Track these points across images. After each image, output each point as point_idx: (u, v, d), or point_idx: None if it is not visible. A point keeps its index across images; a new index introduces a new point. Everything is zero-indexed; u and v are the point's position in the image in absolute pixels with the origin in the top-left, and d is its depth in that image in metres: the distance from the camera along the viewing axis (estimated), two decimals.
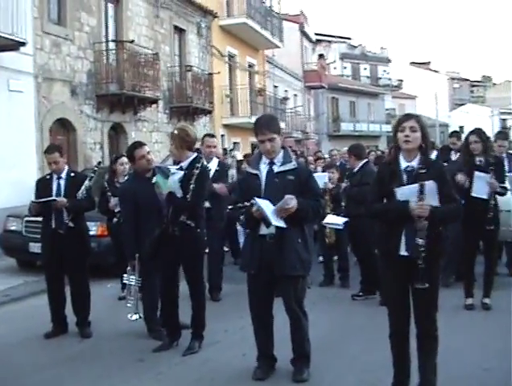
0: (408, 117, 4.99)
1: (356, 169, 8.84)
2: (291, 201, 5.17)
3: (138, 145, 7.09)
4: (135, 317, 6.88)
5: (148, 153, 6.98)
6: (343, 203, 9.41)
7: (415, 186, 4.63)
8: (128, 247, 6.87)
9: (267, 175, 5.45)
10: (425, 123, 4.99)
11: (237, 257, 11.17)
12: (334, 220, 9.23)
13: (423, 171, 4.72)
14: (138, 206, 6.68)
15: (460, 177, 7.59)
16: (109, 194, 8.87)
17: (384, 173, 5.03)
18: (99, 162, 8.69)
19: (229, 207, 5.87)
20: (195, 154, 6.43)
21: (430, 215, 4.60)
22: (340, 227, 9.10)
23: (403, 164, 4.83)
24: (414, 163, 4.82)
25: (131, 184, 7.13)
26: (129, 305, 6.89)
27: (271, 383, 5.54)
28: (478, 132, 7.99)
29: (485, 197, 7.69)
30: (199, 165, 6.29)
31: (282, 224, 5.20)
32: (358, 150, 9.00)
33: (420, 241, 4.62)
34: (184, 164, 6.35)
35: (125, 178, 8.79)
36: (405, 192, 4.68)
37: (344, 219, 9.00)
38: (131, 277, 6.84)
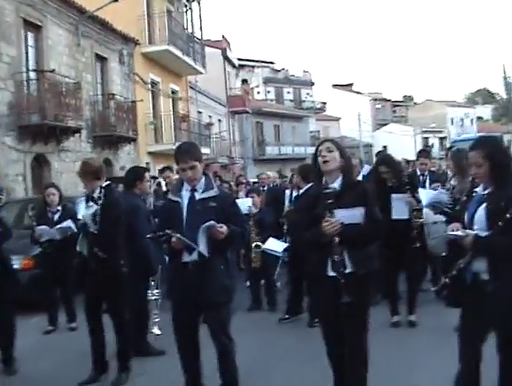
0: (324, 140, 5.22)
1: (301, 192, 8.56)
2: (223, 226, 5.23)
3: (146, 169, 7.86)
4: (158, 331, 7.00)
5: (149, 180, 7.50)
6: (285, 227, 9.49)
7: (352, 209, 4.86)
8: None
9: (189, 202, 5.39)
10: (342, 144, 5.25)
11: None
12: (274, 246, 9.27)
13: (345, 192, 4.93)
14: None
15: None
16: (34, 223, 8.95)
17: (309, 197, 5.27)
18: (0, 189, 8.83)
19: (148, 235, 5.83)
20: (105, 183, 6.55)
21: (342, 232, 4.78)
22: (280, 255, 9.12)
23: (325, 187, 4.99)
24: (336, 185, 5.01)
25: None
26: (157, 319, 6.99)
27: None
28: (386, 161, 8.30)
29: (405, 217, 7.99)
30: (101, 195, 6.39)
31: (205, 252, 5.22)
32: (305, 172, 8.63)
33: (336, 258, 4.84)
34: (95, 194, 6.46)
35: (58, 207, 8.98)
36: (344, 215, 4.84)
37: (285, 246, 9.05)
38: (154, 291, 6.98)
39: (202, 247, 5.21)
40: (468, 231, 4.48)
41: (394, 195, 7.95)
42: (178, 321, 5.51)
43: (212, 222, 5.19)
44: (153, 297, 7.08)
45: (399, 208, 7.95)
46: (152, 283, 7.12)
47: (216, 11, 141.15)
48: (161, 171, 13.64)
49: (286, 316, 8.83)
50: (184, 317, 5.44)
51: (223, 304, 5.43)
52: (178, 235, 5.18)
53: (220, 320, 5.42)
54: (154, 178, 15.01)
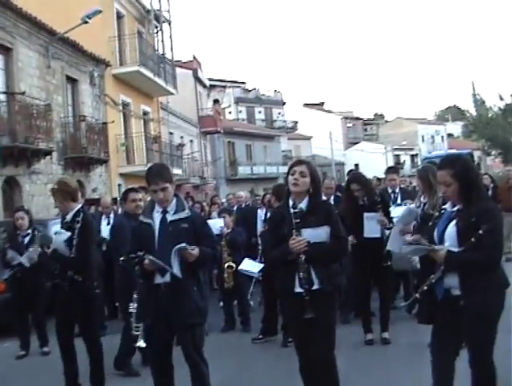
0: (300, 162, 5.40)
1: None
2: (194, 248, 5.28)
3: (134, 189, 7.75)
4: (144, 344, 7.00)
5: (140, 200, 7.50)
6: (260, 247, 9.50)
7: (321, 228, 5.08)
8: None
9: (161, 224, 5.41)
10: (316, 169, 5.41)
11: None
12: (249, 267, 9.27)
13: (311, 212, 5.15)
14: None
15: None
16: (5, 246, 8.94)
17: (276, 217, 5.45)
18: None
19: (122, 258, 5.83)
20: (79, 206, 6.59)
21: (308, 249, 5.01)
22: (255, 276, 9.10)
23: (292, 207, 5.22)
24: (303, 205, 5.22)
25: (125, 221, 7.52)
26: (137, 332, 6.97)
27: None
28: (357, 179, 8.39)
29: (377, 235, 8.07)
30: (79, 218, 6.41)
31: (179, 274, 5.26)
32: (279, 191, 8.57)
33: (301, 275, 5.04)
34: (69, 217, 6.49)
35: (28, 231, 8.97)
36: (310, 234, 5.07)
37: (261, 266, 9.05)
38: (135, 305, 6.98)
39: (175, 269, 5.25)
40: (439, 246, 4.58)
41: (366, 214, 8.05)
42: (151, 342, 5.51)
43: (183, 244, 5.22)
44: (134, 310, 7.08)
45: (371, 227, 8.03)
46: (135, 296, 7.13)
47: (186, 32, 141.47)
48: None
49: (260, 336, 8.87)
50: (158, 338, 5.45)
51: (196, 325, 5.47)
52: (150, 257, 5.21)
53: (194, 341, 5.43)
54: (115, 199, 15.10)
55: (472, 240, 4.39)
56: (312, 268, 5.10)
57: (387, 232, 7.85)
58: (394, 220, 8.00)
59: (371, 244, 7.95)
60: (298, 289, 5.12)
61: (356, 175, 8.72)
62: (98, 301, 6.86)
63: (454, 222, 4.60)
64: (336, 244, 5.20)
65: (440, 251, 4.51)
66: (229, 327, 9.78)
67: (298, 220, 5.12)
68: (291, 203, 5.28)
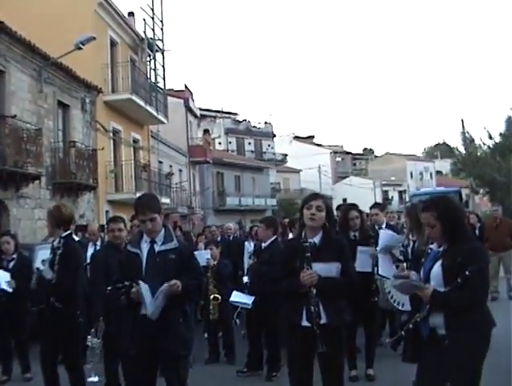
0: (316, 196, 5.51)
1: (265, 245, 8.74)
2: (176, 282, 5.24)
3: (113, 219, 7.74)
4: (96, 378, 6.95)
5: (119, 230, 7.41)
6: (247, 280, 9.40)
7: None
8: (96, 309, 7.05)
9: (148, 254, 5.41)
10: (330, 204, 5.53)
11: None
12: (241, 299, 9.12)
13: (323, 247, 5.26)
14: (107, 272, 6.77)
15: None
16: None
17: (289, 249, 5.54)
18: None
19: (109, 287, 5.73)
20: (65, 232, 6.68)
21: (319, 283, 5.07)
22: (249, 307, 8.93)
23: (303, 241, 5.28)
24: (316, 239, 5.32)
25: (103, 251, 7.58)
26: (88, 366, 6.93)
27: None
28: (356, 207, 8.47)
29: (369, 270, 8.04)
30: (60, 245, 6.52)
31: (153, 316, 5.21)
32: (274, 224, 8.94)
33: (312, 309, 5.08)
34: (55, 242, 6.59)
35: (13, 256, 8.93)
36: (321, 268, 5.15)
37: (252, 298, 8.87)
38: (94, 339, 6.93)
39: (150, 309, 5.21)
40: (427, 285, 4.61)
41: (360, 248, 8.02)
42: (135, 373, 5.47)
43: (165, 286, 5.20)
44: (92, 345, 7.05)
45: (364, 261, 7.98)
46: (92, 330, 7.11)
47: (179, 61, 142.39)
48: (131, 219, 13.71)
49: (245, 369, 8.81)
50: (142, 369, 5.38)
51: (182, 357, 5.45)
52: (140, 287, 5.18)
53: (179, 373, 5.41)
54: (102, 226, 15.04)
55: (459, 280, 4.43)
56: (321, 302, 5.16)
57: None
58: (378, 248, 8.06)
59: (362, 279, 7.88)
60: (305, 323, 5.16)
61: (353, 204, 8.73)
62: (80, 329, 6.83)
63: (439, 262, 4.64)
64: (345, 280, 5.28)
65: (426, 289, 4.54)
66: (213, 359, 9.72)
67: (309, 254, 5.19)
68: (304, 236, 5.35)
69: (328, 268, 5.21)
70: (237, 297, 9.11)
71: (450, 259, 4.55)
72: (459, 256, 4.50)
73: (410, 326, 4.67)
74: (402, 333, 4.76)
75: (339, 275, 5.26)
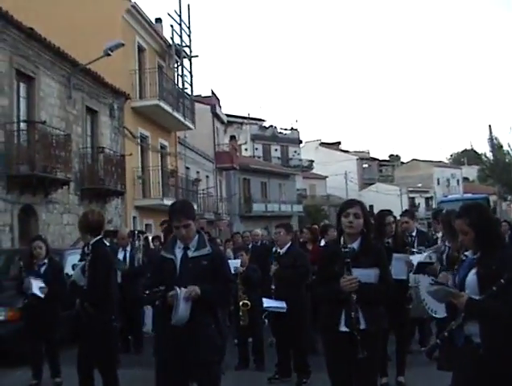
0: (352, 203, 5.54)
1: (283, 251, 8.77)
2: (194, 288, 5.23)
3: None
4: None
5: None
6: (272, 286, 9.12)
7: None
8: None
9: (182, 260, 5.43)
10: (367, 209, 5.55)
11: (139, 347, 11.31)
12: (274, 303, 8.92)
13: (362, 253, 5.32)
14: None
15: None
16: (23, 275, 8.96)
17: (327, 255, 5.58)
18: None
19: (146, 292, 5.65)
20: (96, 238, 6.76)
21: (359, 289, 5.12)
22: (284, 311, 8.71)
23: (342, 246, 5.33)
24: (355, 245, 5.37)
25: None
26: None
27: None
28: (392, 213, 8.42)
29: (404, 277, 7.95)
30: (89, 251, 6.61)
31: (179, 323, 5.19)
32: (292, 229, 9.17)
33: (353, 314, 5.13)
34: (86, 249, 6.71)
35: (45, 261, 8.97)
36: (361, 273, 5.20)
37: (284, 302, 8.65)
38: None
39: (177, 316, 5.20)
40: (462, 293, 4.55)
41: (395, 255, 7.94)
42: (165, 382, 5.44)
43: (181, 290, 5.20)
44: None
45: (399, 268, 7.86)
46: None
47: (206, 67, 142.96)
48: (161, 224, 13.90)
49: (277, 376, 8.79)
50: (173, 377, 5.37)
51: (214, 363, 5.44)
52: (179, 292, 5.19)
53: (211, 379, 5.40)
54: (141, 232, 15.05)
55: (494, 288, 4.35)
56: (360, 308, 5.21)
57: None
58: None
59: (397, 287, 7.78)
60: (343, 328, 5.23)
61: (389, 210, 8.70)
62: (115, 333, 6.86)
63: (474, 270, 4.57)
64: (384, 286, 5.36)
65: (462, 297, 4.47)
66: (243, 365, 9.73)
67: (349, 260, 5.23)
68: (343, 242, 5.41)
69: (367, 274, 5.27)
70: (269, 303, 9.04)
71: (485, 267, 4.47)
72: (494, 264, 4.43)
73: (446, 334, 4.61)
74: (438, 341, 4.70)
75: (377, 281, 5.33)
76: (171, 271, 5.42)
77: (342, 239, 5.44)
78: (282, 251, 8.85)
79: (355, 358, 5.14)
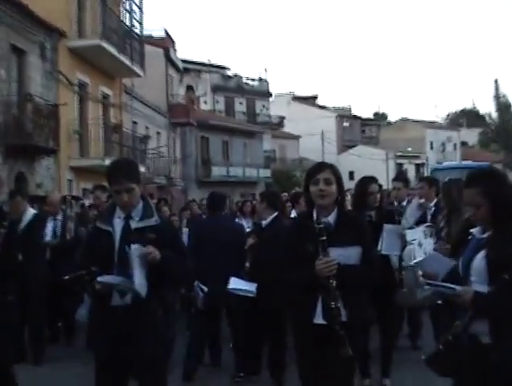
0: (322, 167, 5.32)
1: (265, 223, 8.62)
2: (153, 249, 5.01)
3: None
4: None
5: None
6: (247, 264, 9.06)
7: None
8: None
9: (122, 233, 5.23)
10: (340, 172, 5.33)
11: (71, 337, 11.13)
12: (242, 285, 8.69)
13: (340, 228, 5.13)
14: None
15: None
16: None
17: (296, 231, 5.37)
18: None
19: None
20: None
21: (338, 273, 4.91)
22: (253, 295, 8.53)
23: (316, 221, 5.07)
24: (331, 219, 5.16)
25: None
26: None
27: None
28: (377, 180, 8.21)
29: (396, 253, 7.78)
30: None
31: (142, 293, 4.99)
32: (273, 198, 8.83)
33: (333, 305, 4.91)
34: None
35: None
36: (340, 254, 4.99)
37: (254, 285, 8.49)
38: None
39: (138, 284, 4.97)
40: (464, 288, 4.29)
41: (386, 226, 7.75)
42: (102, 381, 5.28)
43: (137, 248, 4.99)
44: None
45: (391, 242, 7.69)
46: None
47: (159, 2, 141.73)
48: (92, 191, 13.57)
49: (241, 374, 8.62)
50: (111, 376, 5.22)
51: (160, 361, 5.29)
52: (103, 279, 4.97)
53: (156, 379, 5.26)
54: (76, 198, 14.77)
55: (506, 277, 4.10)
56: (340, 296, 5.01)
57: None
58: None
59: (384, 268, 7.18)
60: (319, 321, 5.06)
61: (373, 177, 8.39)
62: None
63: (483, 252, 4.30)
64: (368, 268, 5.17)
65: (465, 294, 4.22)
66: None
67: (324, 237, 4.98)
68: (315, 216, 5.18)
69: (347, 254, 5.08)
70: (236, 283, 8.78)
71: (498, 249, 4.21)
72: (509, 245, 4.18)
73: (450, 337, 4.39)
74: (441, 347, 4.47)
75: (358, 262, 5.14)
76: (108, 246, 5.19)
77: (315, 212, 5.21)
78: (264, 223, 8.67)
79: (331, 356, 5.01)
